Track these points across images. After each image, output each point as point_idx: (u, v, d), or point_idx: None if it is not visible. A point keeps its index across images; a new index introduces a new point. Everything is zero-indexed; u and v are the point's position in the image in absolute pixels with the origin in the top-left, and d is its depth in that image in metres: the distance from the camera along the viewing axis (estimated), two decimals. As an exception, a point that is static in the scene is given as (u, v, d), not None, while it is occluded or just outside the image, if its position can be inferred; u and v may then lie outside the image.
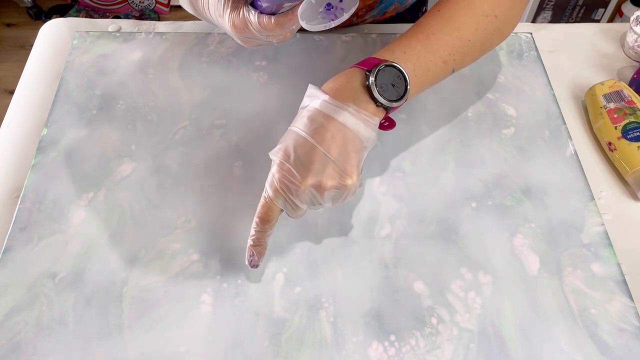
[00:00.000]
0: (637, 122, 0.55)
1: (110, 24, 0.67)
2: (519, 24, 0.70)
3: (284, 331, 0.45)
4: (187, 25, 0.68)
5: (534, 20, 1.38)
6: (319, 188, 0.43)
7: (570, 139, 0.58)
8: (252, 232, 0.46)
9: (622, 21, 1.40)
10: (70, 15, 1.68)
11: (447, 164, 0.56)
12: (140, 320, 0.46)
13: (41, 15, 1.84)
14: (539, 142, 0.58)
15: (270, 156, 0.45)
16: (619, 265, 0.49)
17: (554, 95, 0.62)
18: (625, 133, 0.55)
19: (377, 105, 0.45)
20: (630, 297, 0.48)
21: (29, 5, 1.82)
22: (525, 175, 0.55)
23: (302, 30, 0.69)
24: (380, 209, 0.53)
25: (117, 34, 0.66)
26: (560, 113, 0.60)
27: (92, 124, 0.58)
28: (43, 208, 0.51)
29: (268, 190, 0.44)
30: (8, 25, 1.86)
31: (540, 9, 1.36)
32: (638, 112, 0.56)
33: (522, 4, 0.52)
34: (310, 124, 0.44)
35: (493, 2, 0.50)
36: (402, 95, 0.46)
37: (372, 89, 0.44)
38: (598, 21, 1.43)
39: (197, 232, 0.51)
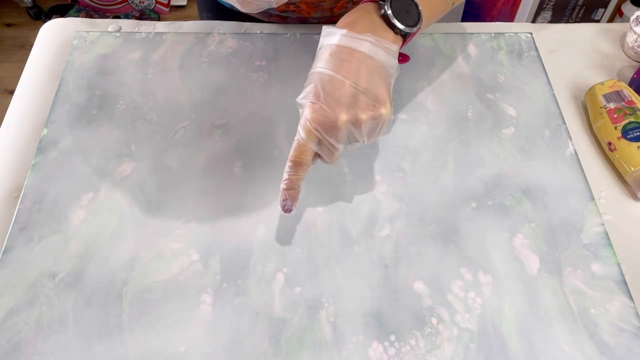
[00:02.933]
0: (637, 122, 0.55)
1: (110, 24, 0.67)
2: (519, 24, 0.70)
3: (284, 331, 0.45)
4: (187, 25, 0.68)
5: (534, 20, 1.38)
6: (355, 122, 0.43)
7: (570, 139, 0.58)
8: (285, 175, 0.46)
9: (622, 21, 1.40)
10: (70, 15, 1.68)
11: (447, 164, 0.56)
12: (140, 320, 0.46)
13: (41, 15, 1.84)
14: (539, 142, 0.58)
15: (299, 101, 0.44)
16: (619, 265, 0.49)
17: (554, 95, 0.62)
18: (625, 133, 0.55)
19: (395, 33, 0.46)
20: (630, 297, 0.48)
21: (29, 5, 1.82)
22: (525, 175, 0.55)
23: (302, 29, 0.69)
24: (380, 209, 0.53)
25: (117, 34, 0.66)
26: (560, 113, 0.60)
27: (92, 124, 0.58)
28: (43, 208, 0.51)
29: (301, 133, 0.44)
30: (8, 25, 1.86)
31: (540, 9, 1.35)
32: (638, 112, 0.56)
33: None
34: (333, 60, 0.44)
35: None
36: (417, 21, 0.47)
37: (390, 16, 0.45)
38: (598, 21, 1.43)
39: (197, 232, 0.51)
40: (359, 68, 0.44)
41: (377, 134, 0.46)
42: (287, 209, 0.47)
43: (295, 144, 0.45)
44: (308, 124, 0.43)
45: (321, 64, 0.44)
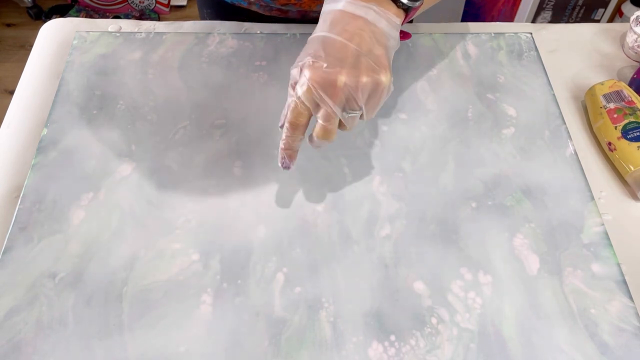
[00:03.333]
0: (637, 122, 0.55)
1: (110, 24, 0.67)
2: (519, 24, 0.70)
3: (284, 331, 0.45)
4: (187, 25, 0.68)
5: (534, 20, 1.38)
6: (356, 84, 0.43)
7: (570, 139, 0.58)
8: (283, 136, 0.46)
9: (622, 21, 1.40)
10: (70, 15, 1.68)
11: (447, 164, 0.56)
12: (140, 320, 0.46)
13: (41, 15, 1.84)
14: (539, 142, 0.58)
15: (297, 64, 0.44)
16: (619, 265, 0.49)
17: (554, 95, 0.62)
18: (625, 133, 0.55)
19: (398, 7, 0.46)
20: (630, 297, 0.48)
21: (29, 5, 1.82)
22: (525, 175, 0.55)
23: (302, 29, 0.69)
24: (380, 209, 0.53)
25: (117, 34, 0.66)
26: (560, 113, 0.60)
27: (92, 124, 0.58)
28: (43, 208, 0.51)
29: (298, 91, 0.43)
30: (8, 25, 1.86)
31: (540, 9, 1.35)
32: (638, 112, 0.56)
33: None
34: (336, 24, 0.44)
35: None
36: None
37: None
38: (598, 21, 1.43)
39: (197, 232, 0.51)
40: (362, 33, 0.44)
41: (377, 103, 0.45)
42: (285, 166, 0.48)
43: (292, 104, 0.44)
44: (307, 81, 0.43)
45: (323, 28, 0.44)
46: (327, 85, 0.42)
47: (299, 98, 0.44)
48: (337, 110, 0.44)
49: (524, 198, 0.54)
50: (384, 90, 0.45)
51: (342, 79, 0.42)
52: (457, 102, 0.61)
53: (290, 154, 0.47)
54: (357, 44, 0.43)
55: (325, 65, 0.42)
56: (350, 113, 0.45)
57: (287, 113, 0.46)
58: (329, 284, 0.48)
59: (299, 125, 0.45)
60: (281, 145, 0.47)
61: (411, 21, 0.81)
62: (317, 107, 0.44)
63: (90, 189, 0.53)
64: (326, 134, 0.45)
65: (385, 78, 0.44)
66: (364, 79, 0.43)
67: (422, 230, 0.51)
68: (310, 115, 0.45)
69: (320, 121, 0.45)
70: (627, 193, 0.55)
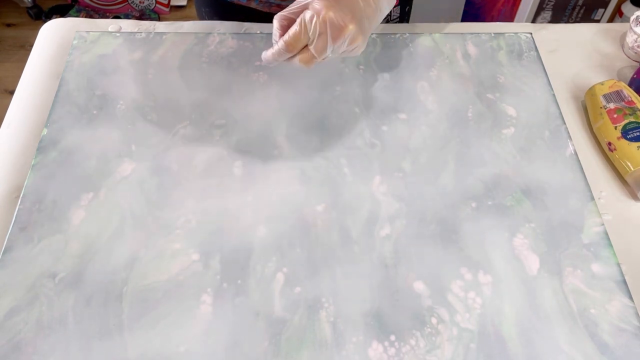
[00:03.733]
0: (637, 122, 0.55)
1: (110, 24, 0.67)
2: (519, 24, 0.70)
3: (284, 331, 0.45)
4: (187, 25, 0.68)
5: (534, 20, 1.38)
6: (353, 39, 0.46)
7: (570, 139, 0.58)
8: (273, 49, 0.47)
9: (622, 21, 1.40)
10: (70, 15, 1.68)
11: (447, 164, 0.56)
12: (140, 320, 0.46)
13: (41, 15, 1.84)
14: (539, 142, 0.58)
15: None
16: (619, 265, 0.49)
17: (554, 95, 0.62)
18: (625, 133, 0.55)
19: None
20: (630, 297, 0.48)
21: (29, 5, 1.82)
22: (525, 175, 0.55)
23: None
24: (380, 209, 0.53)
25: (117, 34, 0.66)
26: (560, 113, 0.60)
27: (92, 124, 0.58)
28: (43, 208, 0.51)
29: (306, 18, 0.45)
30: (8, 25, 1.86)
31: (540, 9, 1.35)
32: (638, 112, 0.56)
33: None
34: None
35: None
36: None
37: None
38: (598, 21, 1.43)
39: (197, 232, 0.51)
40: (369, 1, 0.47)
41: (340, 58, 0.49)
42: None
43: (296, 28, 0.45)
44: (322, 14, 0.44)
45: None
46: (335, 28, 0.45)
47: (305, 25, 0.45)
48: (330, 50, 0.46)
49: (524, 198, 0.54)
50: (354, 55, 0.49)
51: (351, 28, 0.45)
52: (457, 102, 0.61)
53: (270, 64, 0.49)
54: (365, 4, 0.46)
55: (341, 6, 0.45)
56: (331, 54, 0.48)
57: (283, 36, 0.47)
58: (329, 284, 0.48)
59: (294, 49, 0.46)
60: (274, 48, 0.48)
61: (408, 21, 0.81)
62: (317, 39, 0.46)
63: (90, 189, 0.53)
64: (310, 63, 0.48)
65: (363, 49, 0.48)
66: (359, 40, 0.46)
67: (422, 230, 0.51)
68: (305, 46, 0.47)
69: (312, 51, 0.47)
70: (627, 193, 0.55)
